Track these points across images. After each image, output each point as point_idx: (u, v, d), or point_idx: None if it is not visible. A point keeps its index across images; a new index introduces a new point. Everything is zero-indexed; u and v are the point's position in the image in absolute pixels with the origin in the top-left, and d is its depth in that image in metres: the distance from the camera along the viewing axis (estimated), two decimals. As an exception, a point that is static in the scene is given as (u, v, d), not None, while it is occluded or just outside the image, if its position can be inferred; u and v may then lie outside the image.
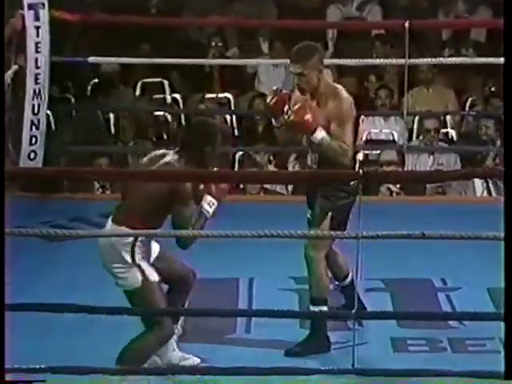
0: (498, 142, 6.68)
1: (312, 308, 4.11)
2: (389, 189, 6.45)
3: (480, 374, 3.43)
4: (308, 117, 4.06)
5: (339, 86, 4.24)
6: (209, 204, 3.84)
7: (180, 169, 3.82)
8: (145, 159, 3.94)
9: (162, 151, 3.94)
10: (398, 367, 3.68)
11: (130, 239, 3.82)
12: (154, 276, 3.86)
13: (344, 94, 4.18)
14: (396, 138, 6.86)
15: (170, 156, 3.89)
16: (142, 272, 3.82)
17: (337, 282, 4.39)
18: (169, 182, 3.77)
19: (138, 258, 3.83)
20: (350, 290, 4.32)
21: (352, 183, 4.04)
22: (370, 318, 4.16)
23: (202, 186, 3.89)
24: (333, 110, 4.13)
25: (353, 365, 3.58)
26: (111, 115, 7.14)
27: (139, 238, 3.82)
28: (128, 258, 3.81)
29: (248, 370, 3.64)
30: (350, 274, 4.34)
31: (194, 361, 4.00)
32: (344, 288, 4.37)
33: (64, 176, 4.71)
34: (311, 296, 4.14)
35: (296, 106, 4.09)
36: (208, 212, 3.84)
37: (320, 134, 4.08)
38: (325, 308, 4.11)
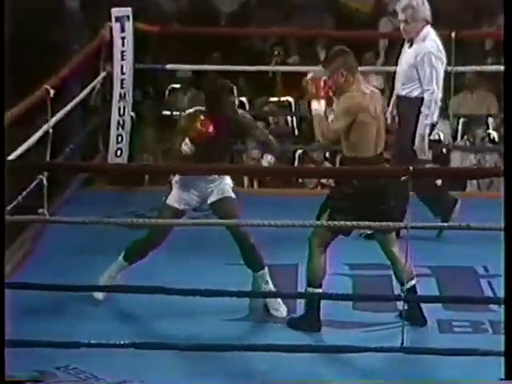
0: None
1: (308, 289, 4.04)
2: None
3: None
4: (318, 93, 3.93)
5: (356, 91, 3.94)
6: (186, 144, 4.11)
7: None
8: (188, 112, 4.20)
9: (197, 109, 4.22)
10: (443, 347, 3.64)
11: None
12: None
13: (354, 94, 3.93)
14: (442, 138, 6.80)
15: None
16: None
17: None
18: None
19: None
20: (411, 295, 4.02)
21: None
22: (419, 301, 4.11)
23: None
24: (337, 105, 3.97)
25: (401, 343, 3.54)
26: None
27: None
28: None
29: (303, 348, 3.63)
30: (414, 280, 4.07)
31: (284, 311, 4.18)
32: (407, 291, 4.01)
33: (143, 171, 4.75)
34: (307, 277, 4.07)
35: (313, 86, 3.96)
36: (184, 150, 4.11)
37: (318, 105, 3.95)
38: (318, 290, 4.01)
